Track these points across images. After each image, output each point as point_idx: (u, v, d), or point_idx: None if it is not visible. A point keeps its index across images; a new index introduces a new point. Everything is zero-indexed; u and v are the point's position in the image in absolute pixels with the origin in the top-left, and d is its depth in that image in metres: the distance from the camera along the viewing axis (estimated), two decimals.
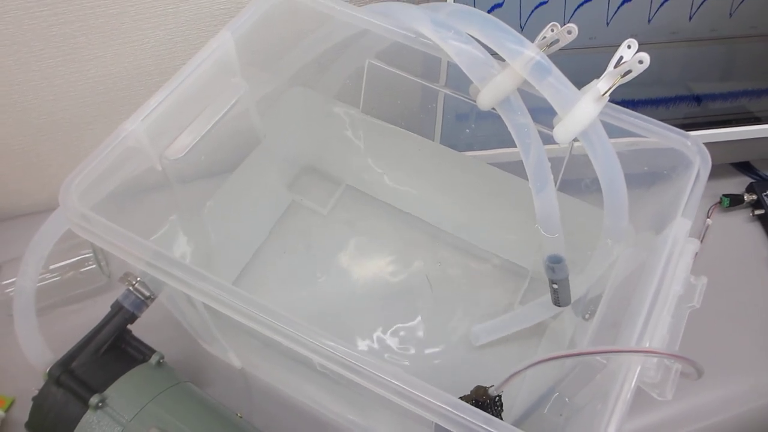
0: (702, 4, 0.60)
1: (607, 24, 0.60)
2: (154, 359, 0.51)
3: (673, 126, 0.49)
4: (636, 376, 0.37)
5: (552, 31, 0.46)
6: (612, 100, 0.47)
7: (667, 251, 0.42)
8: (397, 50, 0.54)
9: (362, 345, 0.62)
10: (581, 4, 0.59)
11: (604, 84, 0.44)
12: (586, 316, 0.53)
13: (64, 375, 0.48)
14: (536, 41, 0.46)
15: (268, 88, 0.61)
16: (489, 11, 0.58)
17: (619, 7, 0.59)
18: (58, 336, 0.49)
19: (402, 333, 0.63)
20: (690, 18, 0.61)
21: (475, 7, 0.57)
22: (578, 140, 0.45)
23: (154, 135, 0.48)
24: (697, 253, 0.68)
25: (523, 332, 0.61)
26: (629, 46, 0.43)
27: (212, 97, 0.53)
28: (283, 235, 0.70)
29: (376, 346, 0.62)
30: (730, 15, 0.62)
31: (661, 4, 0.60)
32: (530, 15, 0.58)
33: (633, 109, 0.49)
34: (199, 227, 0.60)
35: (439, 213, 0.70)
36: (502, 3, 0.57)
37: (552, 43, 0.46)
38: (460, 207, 0.68)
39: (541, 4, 0.58)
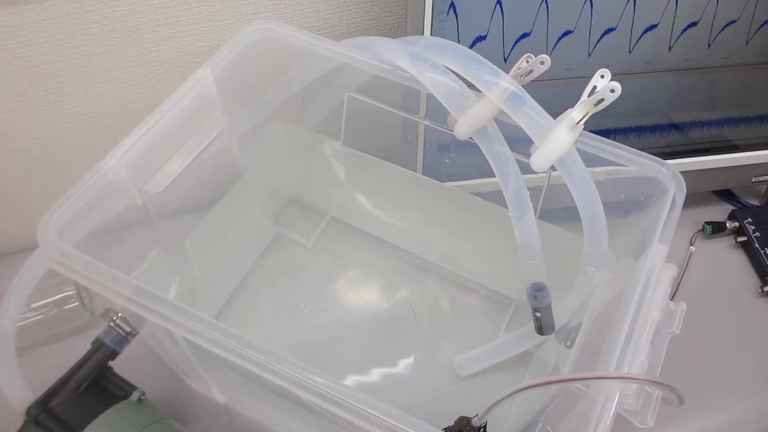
0: (681, 35, 0.62)
1: (589, 55, 0.61)
2: (134, 396, 0.50)
3: (654, 154, 0.49)
4: (615, 403, 0.36)
5: (527, 62, 0.47)
6: (594, 130, 0.47)
7: (644, 277, 0.42)
8: (376, 83, 0.55)
9: (347, 377, 0.62)
10: (562, 36, 0.60)
11: (577, 112, 0.44)
12: (568, 343, 0.52)
13: (43, 414, 0.47)
14: (511, 72, 0.47)
15: (250, 122, 0.62)
16: (473, 43, 0.59)
17: (600, 39, 0.60)
18: (40, 374, 0.49)
19: (387, 364, 0.63)
20: (670, 48, 0.62)
21: (459, 39, 0.58)
22: (556, 169, 0.46)
23: (134, 169, 0.48)
24: (680, 280, 0.68)
25: (509, 361, 0.61)
26: (602, 76, 0.44)
27: (193, 131, 0.54)
28: (267, 267, 0.70)
29: (360, 378, 0.62)
30: (709, 46, 0.63)
31: (641, 35, 0.61)
32: (513, 47, 0.59)
33: (615, 138, 0.49)
34: (181, 261, 0.60)
35: (422, 243, 0.70)
36: (485, 36, 0.58)
37: (526, 74, 0.47)
38: (443, 237, 0.68)
39: (523, 36, 0.59)
